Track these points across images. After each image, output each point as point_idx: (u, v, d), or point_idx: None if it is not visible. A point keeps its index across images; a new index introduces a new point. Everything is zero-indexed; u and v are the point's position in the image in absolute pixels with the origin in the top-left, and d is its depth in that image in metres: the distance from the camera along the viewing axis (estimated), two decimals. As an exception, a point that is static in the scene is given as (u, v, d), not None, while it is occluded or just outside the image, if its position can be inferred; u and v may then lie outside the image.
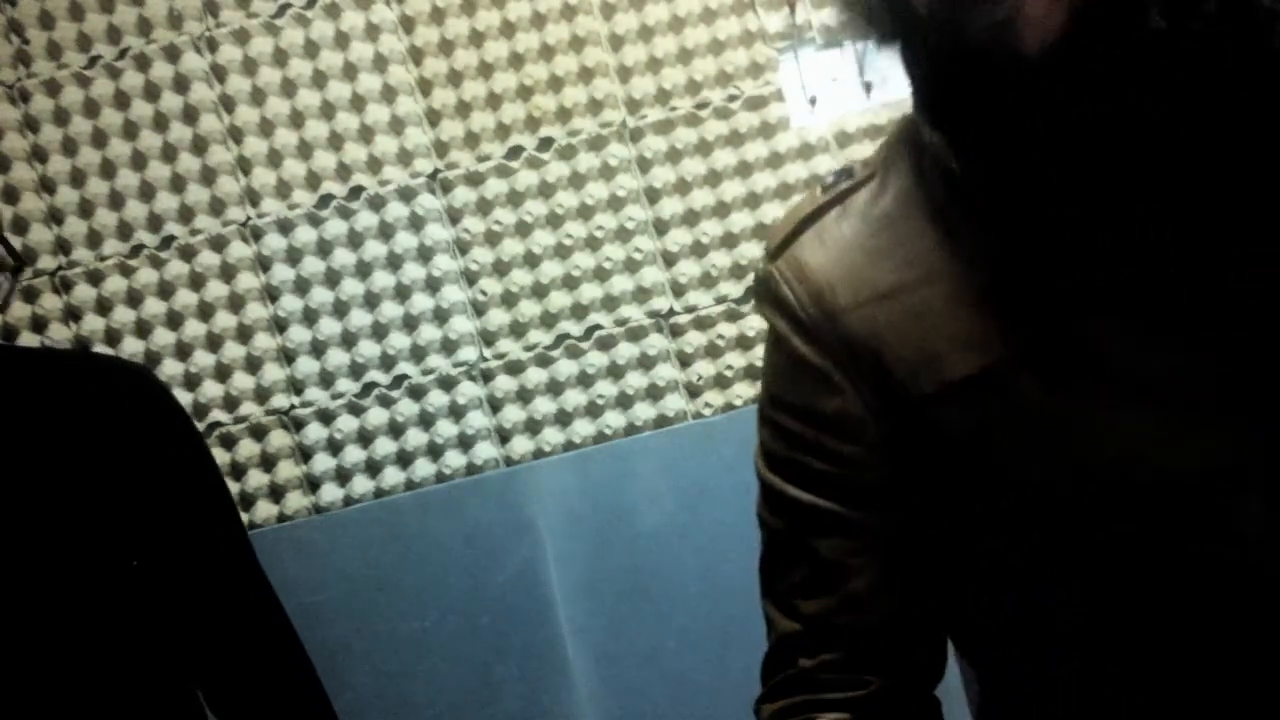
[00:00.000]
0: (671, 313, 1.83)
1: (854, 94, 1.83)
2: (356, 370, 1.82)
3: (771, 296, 0.78)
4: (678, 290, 1.83)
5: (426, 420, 1.82)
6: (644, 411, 1.82)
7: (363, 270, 1.82)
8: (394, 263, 1.82)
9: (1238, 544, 0.66)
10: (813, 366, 0.75)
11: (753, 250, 1.82)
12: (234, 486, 1.81)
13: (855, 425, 0.75)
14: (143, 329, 1.81)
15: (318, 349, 1.82)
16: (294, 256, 1.82)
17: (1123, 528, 0.68)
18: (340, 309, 1.82)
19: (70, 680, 1.06)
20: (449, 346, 1.82)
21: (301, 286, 1.82)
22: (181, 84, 1.81)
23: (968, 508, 0.74)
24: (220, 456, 1.81)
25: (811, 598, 0.79)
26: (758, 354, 1.82)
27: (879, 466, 0.75)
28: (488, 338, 1.82)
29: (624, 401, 1.82)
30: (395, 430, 1.82)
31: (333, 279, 1.82)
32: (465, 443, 1.82)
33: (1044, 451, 0.69)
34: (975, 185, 0.69)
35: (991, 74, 0.62)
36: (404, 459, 1.82)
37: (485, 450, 1.82)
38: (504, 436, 1.82)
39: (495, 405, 1.82)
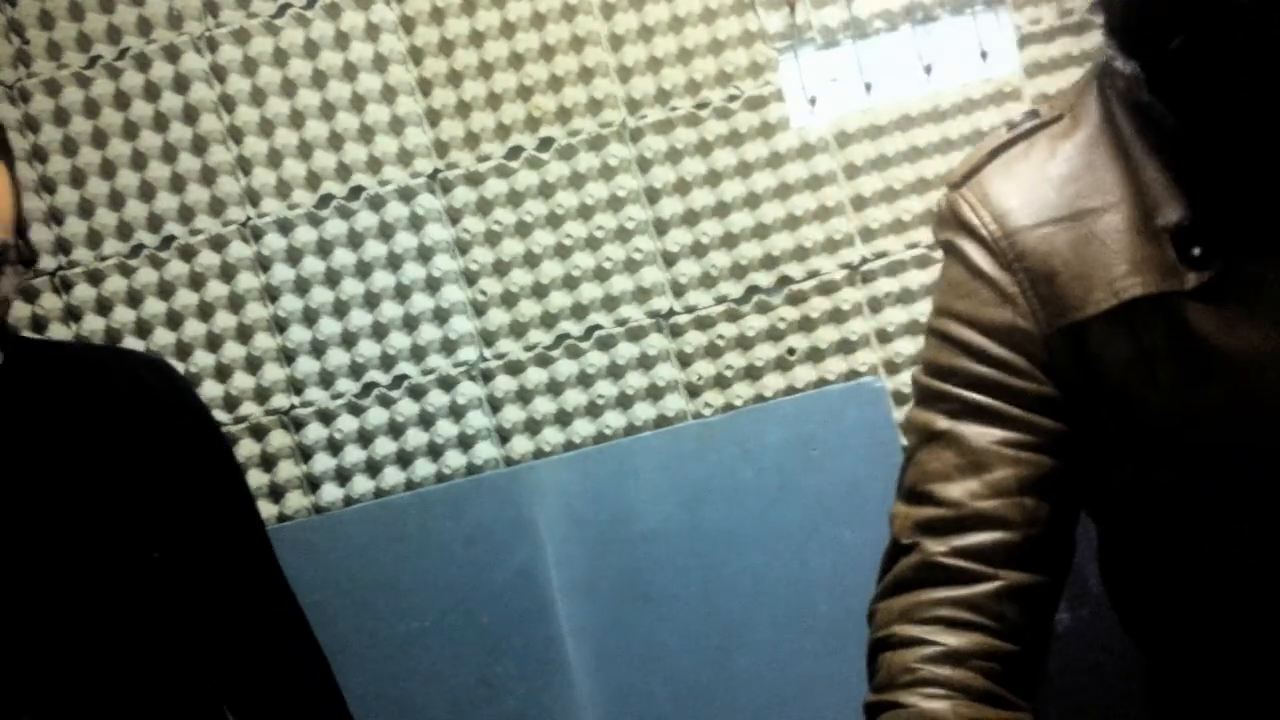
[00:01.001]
0: (671, 313, 1.83)
1: (854, 94, 1.83)
2: (356, 370, 1.82)
3: (954, 218, 0.84)
4: (678, 290, 1.83)
5: (426, 420, 1.82)
6: (644, 411, 1.82)
7: (363, 270, 1.82)
8: (394, 263, 1.82)
9: None
10: (990, 279, 0.80)
11: (753, 250, 1.82)
12: (234, 486, 1.82)
13: (1024, 336, 0.79)
14: (143, 329, 1.81)
15: (318, 349, 1.82)
16: (294, 256, 1.82)
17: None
18: (340, 309, 1.82)
19: (88, 666, 1.06)
20: (449, 346, 1.82)
21: (301, 286, 1.82)
22: (181, 84, 1.81)
23: (1124, 433, 0.77)
24: (220, 456, 1.82)
25: (956, 481, 0.81)
26: (758, 354, 1.82)
27: (1041, 378, 0.79)
28: (488, 338, 1.82)
29: (624, 401, 1.82)
30: (395, 430, 1.82)
31: (333, 279, 1.82)
32: (465, 443, 1.82)
33: (1208, 382, 0.72)
34: (1165, 117, 0.73)
35: (1197, 10, 0.64)
36: (404, 459, 1.82)
37: (485, 450, 1.82)
38: (504, 436, 1.82)
39: (495, 405, 1.82)
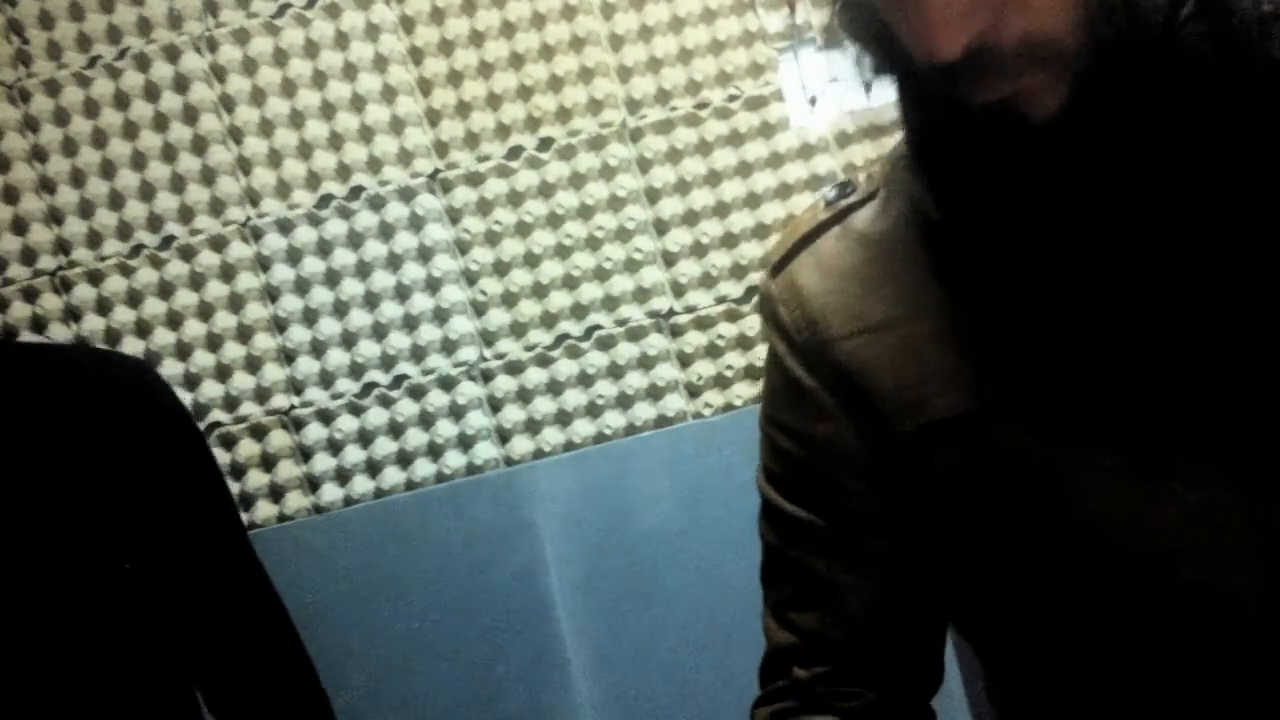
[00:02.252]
0: (671, 313, 1.83)
1: (854, 94, 1.83)
2: (356, 370, 1.82)
3: (770, 315, 0.79)
4: (678, 290, 1.83)
5: (426, 420, 1.82)
6: (644, 411, 1.82)
7: (363, 270, 1.82)
8: (394, 263, 1.82)
9: (1224, 607, 0.64)
10: (806, 389, 0.75)
11: (753, 250, 1.82)
12: (234, 486, 1.81)
13: (845, 451, 0.74)
14: (143, 329, 1.81)
15: (318, 349, 1.82)
16: (294, 256, 1.82)
17: (1102, 574, 0.67)
18: (340, 309, 1.82)
19: (62, 678, 1.05)
20: (449, 346, 1.82)
21: (301, 286, 1.82)
22: (181, 84, 1.81)
23: (957, 539, 0.74)
24: (220, 456, 1.81)
25: (805, 610, 0.79)
26: (758, 354, 1.82)
27: (869, 492, 0.75)
28: (488, 338, 1.82)
29: (624, 401, 1.82)
30: (395, 430, 1.82)
31: (333, 279, 1.82)
32: (465, 443, 1.82)
33: (1022, 497, 0.69)
34: (956, 236, 0.68)
35: (989, 140, 0.61)
36: (404, 459, 1.82)
37: (485, 450, 1.82)
38: (504, 436, 1.82)
39: (495, 405, 1.82)
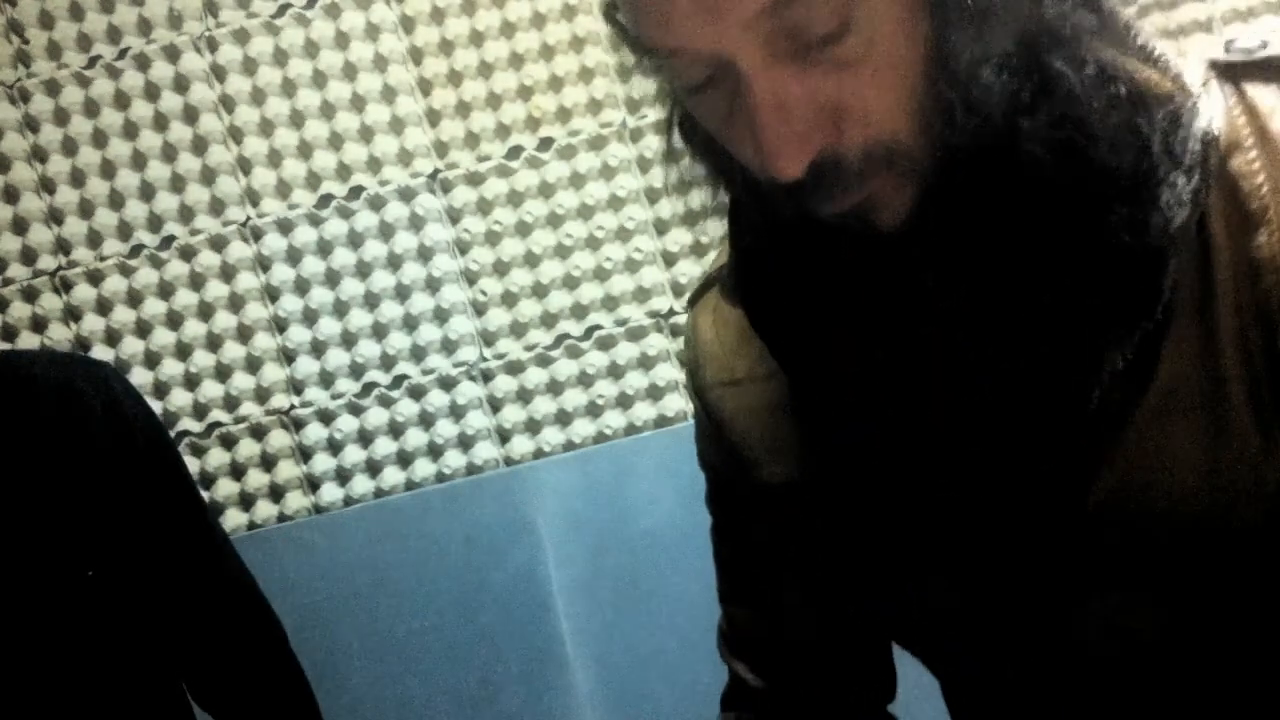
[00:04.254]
0: (671, 313, 1.83)
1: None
2: (356, 370, 1.82)
3: (687, 346, 0.82)
4: (678, 290, 1.83)
5: (426, 420, 1.82)
6: (644, 411, 1.82)
7: (363, 270, 1.82)
8: (394, 263, 1.82)
9: (997, 669, 0.68)
10: (701, 418, 0.79)
11: (753, 250, 1.82)
12: (234, 486, 1.81)
13: (729, 483, 0.79)
14: (143, 329, 1.81)
15: (318, 349, 1.82)
16: (294, 256, 1.82)
17: (918, 641, 0.72)
18: (340, 309, 1.82)
19: (43, 674, 1.05)
20: (449, 346, 1.82)
21: (301, 286, 1.82)
22: (181, 84, 1.81)
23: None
24: (220, 456, 1.81)
25: (749, 649, 0.84)
26: (758, 354, 1.82)
27: (756, 522, 0.78)
28: (488, 338, 1.82)
29: (624, 401, 1.82)
30: (395, 430, 1.82)
31: (333, 279, 1.82)
32: (465, 443, 1.82)
33: (834, 566, 0.72)
34: (755, 324, 0.69)
35: (834, 250, 0.60)
36: (404, 459, 1.82)
37: (485, 450, 1.82)
38: (504, 436, 1.82)
39: (495, 405, 1.82)
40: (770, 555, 0.78)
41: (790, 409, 0.71)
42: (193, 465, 1.80)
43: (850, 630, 0.80)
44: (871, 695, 0.82)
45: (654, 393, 1.82)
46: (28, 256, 1.81)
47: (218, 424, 1.81)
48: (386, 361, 1.82)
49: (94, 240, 1.81)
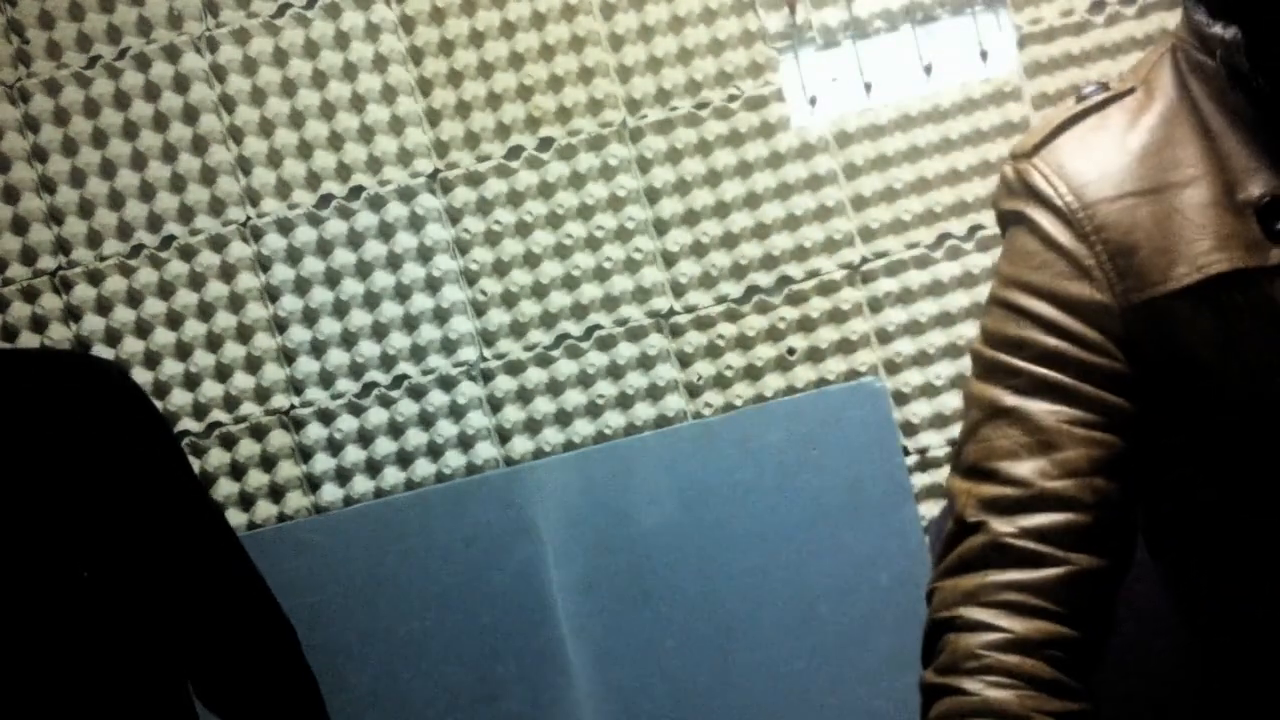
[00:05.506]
0: (671, 313, 1.83)
1: (854, 94, 1.83)
2: (356, 370, 1.82)
3: (1026, 188, 0.82)
4: (678, 290, 1.83)
5: (426, 420, 1.82)
6: (644, 411, 1.82)
7: (363, 270, 1.82)
8: (394, 263, 1.82)
9: None
10: (1066, 250, 0.79)
11: (753, 250, 1.82)
12: (234, 486, 1.81)
13: (1101, 310, 0.78)
14: (143, 329, 1.81)
15: (318, 349, 1.82)
16: (294, 256, 1.82)
17: None
18: (340, 309, 1.82)
19: (49, 670, 1.04)
20: (449, 346, 1.82)
21: (301, 286, 1.82)
22: (181, 84, 1.81)
23: (1199, 410, 0.77)
24: (220, 456, 1.81)
25: (1025, 460, 0.79)
26: (758, 354, 1.82)
27: (1116, 354, 0.78)
28: (488, 338, 1.82)
29: (624, 401, 1.82)
30: (395, 430, 1.82)
31: (333, 279, 1.82)
32: (465, 443, 1.82)
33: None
34: (1261, 85, 0.72)
35: None
36: (404, 459, 1.82)
37: (485, 450, 1.82)
38: (504, 436, 1.82)
39: (495, 405, 1.82)
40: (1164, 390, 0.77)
41: (1232, 202, 0.73)
42: (193, 465, 1.80)
43: (1138, 483, 0.79)
44: (1126, 565, 0.81)
45: (654, 393, 1.82)
46: (28, 256, 1.81)
47: (218, 424, 1.81)
48: (386, 361, 1.82)
49: (94, 240, 1.81)
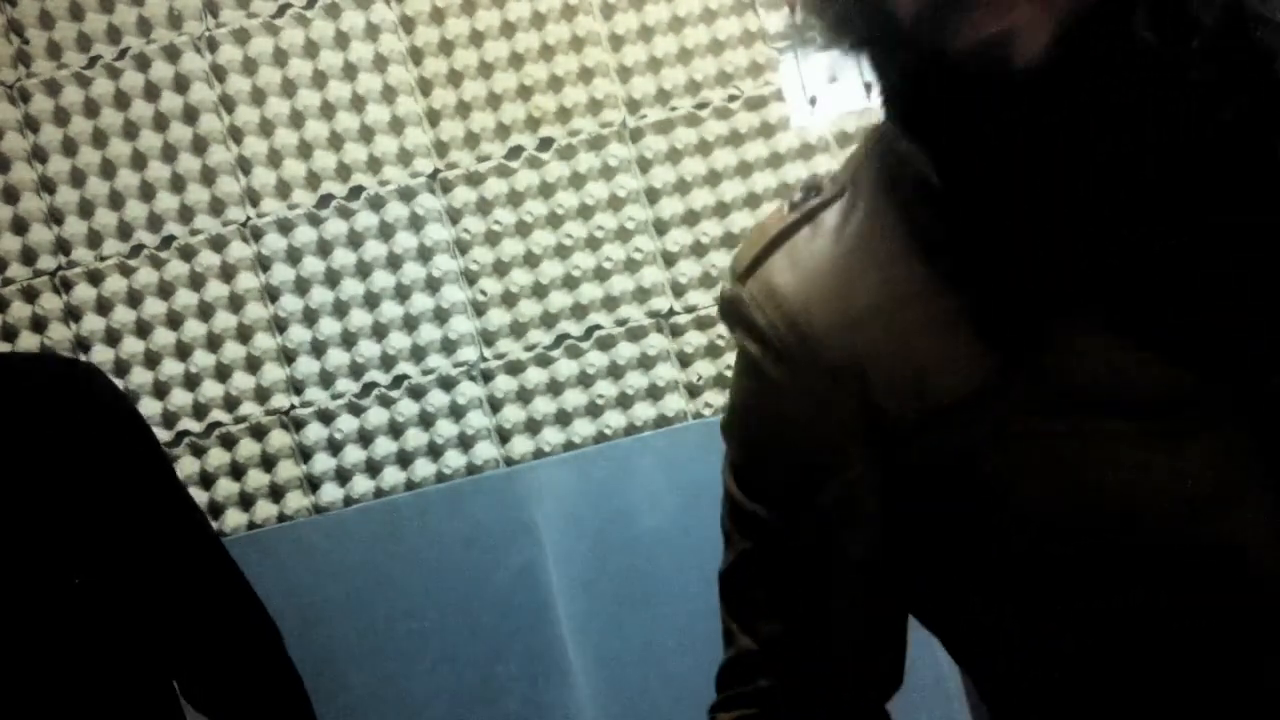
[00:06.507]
0: (671, 313, 1.83)
1: (854, 94, 1.83)
2: (356, 370, 1.82)
3: (741, 319, 0.74)
4: (678, 290, 1.83)
5: (426, 420, 1.82)
6: (644, 411, 1.82)
7: (363, 270, 1.82)
8: (394, 263, 1.82)
9: (1238, 558, 0.64)
10: (787, 391, 0.72)
11: (753, 250, 1.82)
12: (234, 486, 1.81)
13: (831, 451, 0.71)
14: (143, 329, 1.81)
15: (318, 349, 1.82)
16: (294, 256, 1.82)
17: (1117, 548, 0.66)
18: (340, 309, 1.82)
19: (32, 678, 1.04)
20: (449, 346, 1.82)
21: (301, 286, 1.82)
22: (181, 84, 1.81)
23: (954, 532, 0.72)
24: (220, 456, 1.81)
25: (770, 619, 0.76)
26: (758, 354, 1.82)
27: (854, 493, 0.72)
28: (488, 338, 1.82)
29: (624, 401, 1.82)
30: (395, 430, 1.82)
31: (333, 279, 1.82)
32: (465, 443, 1.82)
33: (1031, 476, 0.67)
34: (954, 196, 0.66)
35: (976, 88, 0.60)
36: (404, 459, 1.82)
37: (485, 450, 1.82)
38: (504, 436, 1.82)
39: (495, 405, 1.82)
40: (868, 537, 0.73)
41: (953, 319, 0.67)
42: (193, 465, 1.81)
43: (898, 610, 0.76)
44: (892, 688, 0.80)
45: (654, 393, 1.82)
46: (28, 256, 1.81)
47: (218, 424, 1.81)
48: (386, 361, 1.82)
49: (94, 240, 1.81)
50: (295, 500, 1.81)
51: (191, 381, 1.81)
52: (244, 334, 1.82)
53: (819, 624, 0.75)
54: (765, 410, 0.74)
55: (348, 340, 1.82)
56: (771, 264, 0.73)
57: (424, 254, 1.82)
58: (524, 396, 1.82)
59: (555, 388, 1.82)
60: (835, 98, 1.84)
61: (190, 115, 1.81)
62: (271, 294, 1.82)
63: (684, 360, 1.83)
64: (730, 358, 1.83)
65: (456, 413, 1.82)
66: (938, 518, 0.72)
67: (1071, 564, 0.68)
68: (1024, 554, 0.70)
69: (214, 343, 1.82)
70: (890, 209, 0.71)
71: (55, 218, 1.81)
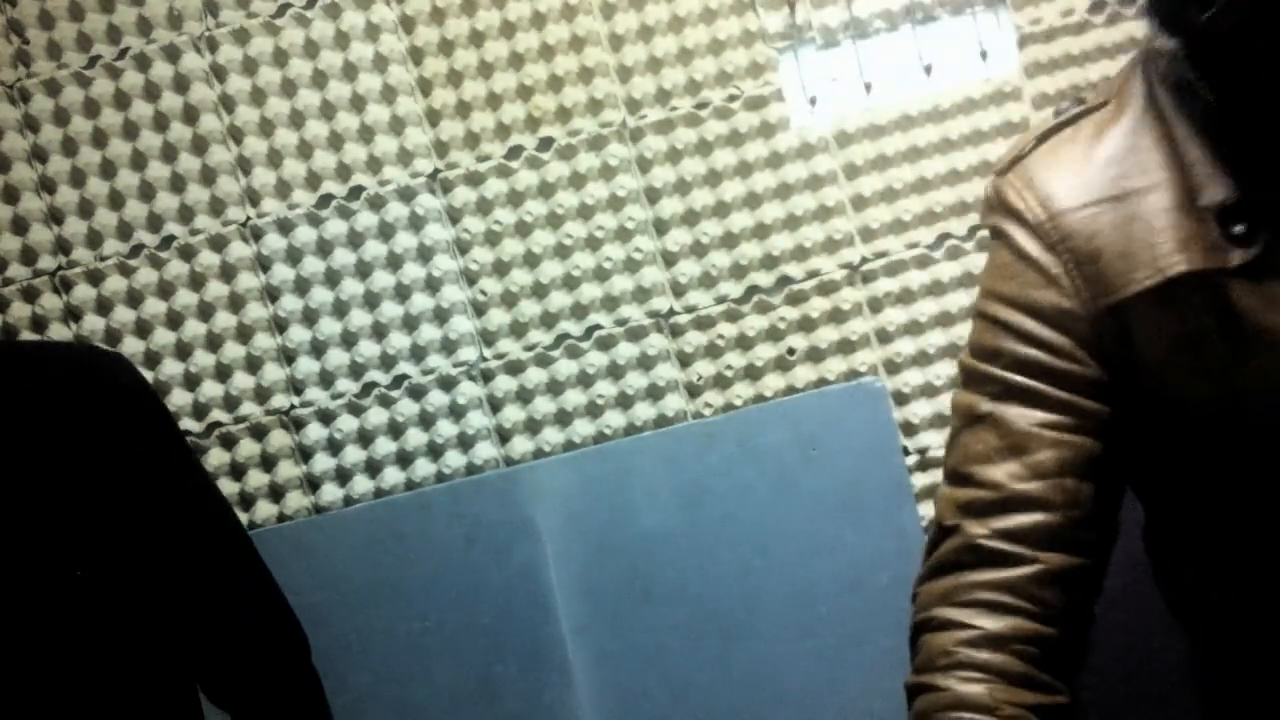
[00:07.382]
0: (671, 313, 1.83)
1: (854, 94, 1.83)
2: (356, 370, 1.82)
3: (1000, 203, 0.86)
4: (678, 290, 1.83)
5: (426, 420, 1.82)
6: (644, 411, 1.82)
7: (363, 270, 1.82)
8: (394, 263, 1.82)
9: None
10: (1035, 261, 0.82)
11: (753, 250, 1.82)
12: (234, 486, 1.81)
13: (1069, 317, 0.81)
14: (143, 329, 1.81)
15: (318, 349, 1.82)
16: (294, 256, 1.82)
17: None
18: (340, 309, 1.82)
19: (43, 676, 1.03)
20: (449, 346, 1.82)
21: (301, 286, 1.82)
22: (181, 84, 1.81)
23: (1166, 413, 0.79)
24: (220, 456, 1.81)
25: (997, 463, 0.82)
26: (758, 354, 1.82)
27: (1085, 359, 0.80)
28: (488, 338, 1.82)
29: (624, 401, 1.82)
30: (395, 430, 1.82)
31: (333, 279, 1.82)
32: (465, 443, 1.82)
33: (1250, 359, 0.74)
34: (1207, 94, 0.75)
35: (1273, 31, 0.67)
36: (404, 459, 1.82)
37: (485, 450, 1.82)
38: (504, 436, 1.82)
39: (495, 405, 1.82)
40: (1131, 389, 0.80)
41: (1194, 206, 0.76)
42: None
43: (1115, 476, 0.82)
44: (1107, 546, 0.84)
45: (654, 393, 1.82)
46: (28, 256, 1.81)
47: (218, 424, 1.81)
48: (386, 361, 1.82)
49: (94, 240, 1.81)
50: (295, 500, 1.81)
51: (191, 381, 1.81)
52: (244, 334, 1.82)
53: (1040, 467, 0.81)
54: (1013, 280, 0.84)
55: (348, 340, 1.82)
56: (1032, 157, 0.86)
57: (424, 254, 1.82)
58: (524, 396, 1.82)
59: (555, 388, 1.82)
60: (835, 98, 1.84)
61: (190, 115, 1.81)
62: (271, 294, 1.82)
63: (684, 360, 1.83)
64: (730, 358, 1.85)
65: (456, 413, 1.82)
66: (1150, 394, 0.79)
67: (1269, 448, 0.74)
68: (1249, 433, 0.76)
69: (214, 343, 1.82)
70: (1149, 115, 0.81)
71: (55, 218, 1.81)
